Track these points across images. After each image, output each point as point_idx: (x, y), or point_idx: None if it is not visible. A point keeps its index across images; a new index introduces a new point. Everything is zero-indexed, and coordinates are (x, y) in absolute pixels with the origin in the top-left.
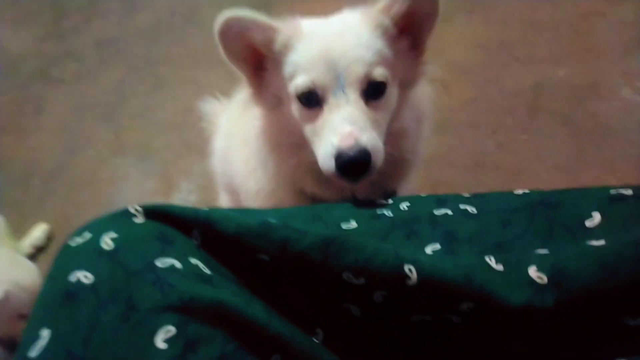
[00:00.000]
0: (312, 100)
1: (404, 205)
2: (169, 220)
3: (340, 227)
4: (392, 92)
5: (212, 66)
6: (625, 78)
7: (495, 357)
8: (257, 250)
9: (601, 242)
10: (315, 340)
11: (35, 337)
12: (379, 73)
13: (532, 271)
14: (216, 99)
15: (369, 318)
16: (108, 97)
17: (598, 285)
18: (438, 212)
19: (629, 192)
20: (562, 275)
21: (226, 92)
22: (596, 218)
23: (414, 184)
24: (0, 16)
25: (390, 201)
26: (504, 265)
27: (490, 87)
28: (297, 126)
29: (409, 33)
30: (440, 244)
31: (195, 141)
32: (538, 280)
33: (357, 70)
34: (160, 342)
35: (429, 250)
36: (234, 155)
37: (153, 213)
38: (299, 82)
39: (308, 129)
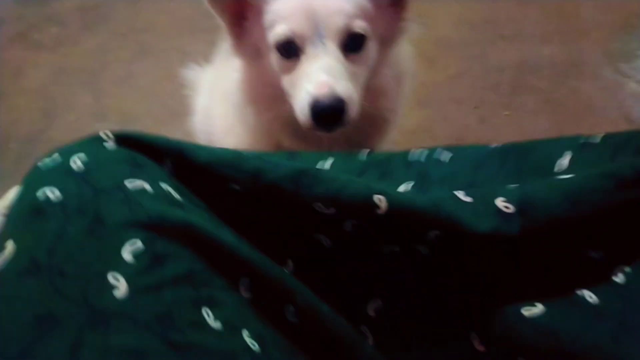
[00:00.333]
0: (290, 50)
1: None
2: (140, 147)
3: (315, 166)
4: (372, 47)
5: (197, 34)
6: (608, 58)
7: (462, 287)
8: (228, 180)
9: (569, 176)
10: (285, 269)
11: (0, 249)
12: (359, 25)
13: (499, 201)
14: (199, 66)
15: (339, 249)
16: (89, 63)
17: (562, 215)
18: (411, 157)
19: (598, 139)
20: (528, 204)
21: (209, 59)
22: (566, 159)
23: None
24: None
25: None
26: (472, 198)
27: (475, 63)
28: (276, 78)
29: None
30: (414, 183)
31: (177, 108)
32: (505, 209)
33: (337, 22)
34: (126, 254)
35: (402, 188)
36: (214, 111)
37: (124, 139)
38: (278, 31)
39: (286, 80)
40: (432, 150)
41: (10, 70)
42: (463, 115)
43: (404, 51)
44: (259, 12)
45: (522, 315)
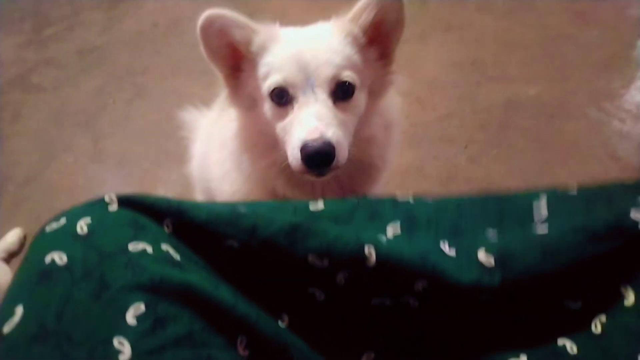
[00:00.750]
0: (283, 98)
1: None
2: (142, 209)
3: (308, 209)
4: (360, 97)
5: (193, 76)
6: (592, 98)
7: (450, 337)
8: (226, 237)
9: (545, 230)
10: (281, 323)
11: (10, 314)
12: (347, 75)
13: (481, 254)
14: (196, 108)
15: (332, 302)
16: (87, 105)
17: (540, 268)
18: (400, 199)
19: (574, 191)
20: (507, 258)
21: (206, 101)
22: (543, 210)
23: (386, 191)
24: None
25: None
26: (456, 250)
27: (463, 103)
28: (270, 127)
29: (377, 43)
30: (401, 224)
31: (174, 150)
32: (486, 263)
33: (326, 72)
34: (130, 318)
35: (390, 230)
36: (211, 159)
37: (127, 202)
38: (271, 80)
39: (279, 127)
40: (419, 197)
41: (10, 113)
42: (453, 155)
43: (393, 101)
44: (253, 64)
45: None
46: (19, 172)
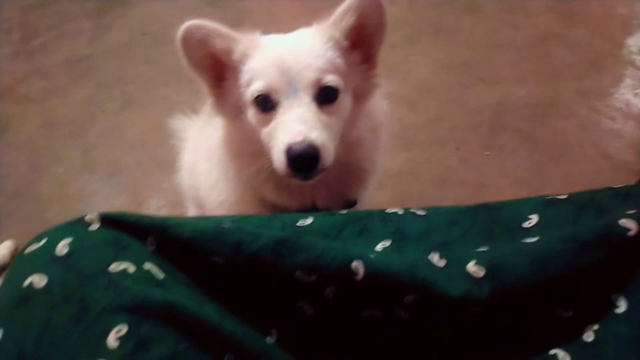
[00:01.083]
0: (266, 104)
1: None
2: (124, 228)
3: (296, 225)
4: (345, 100)
5: (183, 85)
6: (582, 97)
7: (441, 349)
8: (211, 254)
9: (534, 240)
10: (269, 339)
11: None
12: (330, 79)
13: (471, 265)
14: (186, 117)
15: (321, 315)
16: (77, 115)
17: (530, 278)
18: (389, 211)
19: (564, 199)
20: (497, 269)
21: (196, 109)
22: (534, 219)
23: (381, 198)
24: None
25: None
26: (446, 261)
27: (454, 105)
28: (255, 134)
29: (360, 47)
30: (391, 242)
31: (164, 158)
32: (475, 275)
33: (309, 75)
34: (112, 340)
35: (379, 247)
36: (199, 168)
37: (109, 221)
38: (255, 87)
39: (264, 133)
40: (408, 208)
41: None
42: (445, 157)
43: (379, 104)
44: (236, 72)
45: None
46: (8, 184)
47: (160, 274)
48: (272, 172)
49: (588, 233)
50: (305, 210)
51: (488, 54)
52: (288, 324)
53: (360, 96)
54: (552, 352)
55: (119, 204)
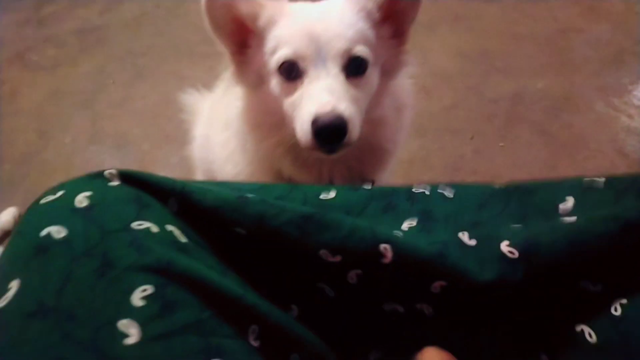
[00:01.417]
0: (292, 72)
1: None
2: (144, 187)
3: (318, 198)
4: (373, 74)
5: (195, 59)
6: (600, 92)
7: (462, 340)
8: (233, 224)
9: (572, 219)
10: (290, 314)
11: (3, 289)
12: (360, 50)
13: (504, 246)
14: (197, 91)
15: (342, 300)
16: (87, 85)
17: (567, 259)
18: (416, 190)
19: (601, 181)
20: (532, 250)
21: (207, 84)
22: (569, 202)
23: (392, 180)
24: None
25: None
26: (477, 241)
27: (470, 94)
28: (277, 104)
29: (392, 21)
30: (417, 220)
31: (174, 132)
32: (509, 255)
33: (339, 45)
34: (137, 299)
35: (405, 226)
36: (213, 140)
37: (129, 178)
38: (281, 53)
39: (287, 103)
40: (435, 185)
41: (7, 91)
42: (459, 146)
43: (405, 84)
44: (261, 39)
45: None
46: (15, 151)
47: (182, 238)
48: (292, 146)
49: (632, 213)
50: None
51: (507, 45)
52: (308, 303)
53: (388, 72)
54: (578, 328)
55: None
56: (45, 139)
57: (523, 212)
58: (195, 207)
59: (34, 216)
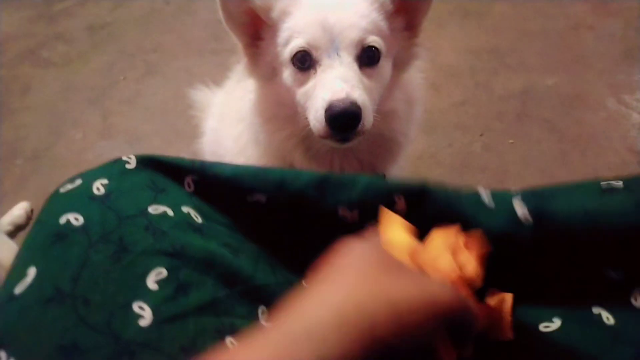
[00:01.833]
0: (305, 62)
1: None
2: (161, 169)
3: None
4: (386, 65)
5: (205, 55)
6: (611, 89)
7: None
8: (252, 191)
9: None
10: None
11: (21, 275)
12: (373, 40)
13: (519, 207)
14: (207, 87)
15: None
16: (97, 81)
17: (581, 229)
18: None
19: (620, 184)
20: (547, 214)
21: (217, 81)
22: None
23: (401, 175)
24: None
25: None
26: (495, 203)
27: (479, 91)
28: (290, 95)
29: (405, 13)
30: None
31: (184, 128)
32: (522, 218)
33: (352, 35)
34: (151, 282)
35: None
36: (225, 134)
37: (146, 162)
38: (294, 44)
39: (300, 93)
40: None
41: (19, 87)
42: (468, 142)
43: (415, 78)
44: (274, 30)
45: (539, 331)
46: (27, 146)
47: (198, 218)
48: (304, 138)
49: None
50: None
51: (517, 41)
52: None
53: (400, 65)
54: (595, 310)
55: None
56: (56, 135)
57: None
58: (213, 179)
59: (54, 205)
